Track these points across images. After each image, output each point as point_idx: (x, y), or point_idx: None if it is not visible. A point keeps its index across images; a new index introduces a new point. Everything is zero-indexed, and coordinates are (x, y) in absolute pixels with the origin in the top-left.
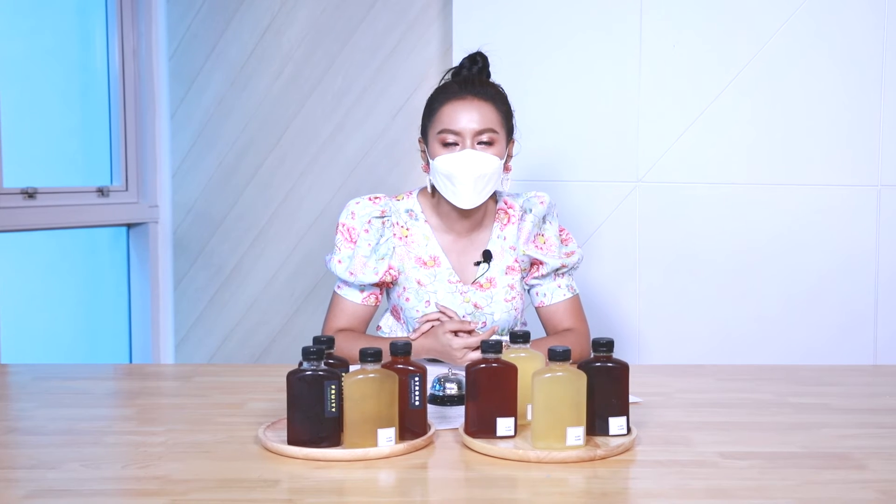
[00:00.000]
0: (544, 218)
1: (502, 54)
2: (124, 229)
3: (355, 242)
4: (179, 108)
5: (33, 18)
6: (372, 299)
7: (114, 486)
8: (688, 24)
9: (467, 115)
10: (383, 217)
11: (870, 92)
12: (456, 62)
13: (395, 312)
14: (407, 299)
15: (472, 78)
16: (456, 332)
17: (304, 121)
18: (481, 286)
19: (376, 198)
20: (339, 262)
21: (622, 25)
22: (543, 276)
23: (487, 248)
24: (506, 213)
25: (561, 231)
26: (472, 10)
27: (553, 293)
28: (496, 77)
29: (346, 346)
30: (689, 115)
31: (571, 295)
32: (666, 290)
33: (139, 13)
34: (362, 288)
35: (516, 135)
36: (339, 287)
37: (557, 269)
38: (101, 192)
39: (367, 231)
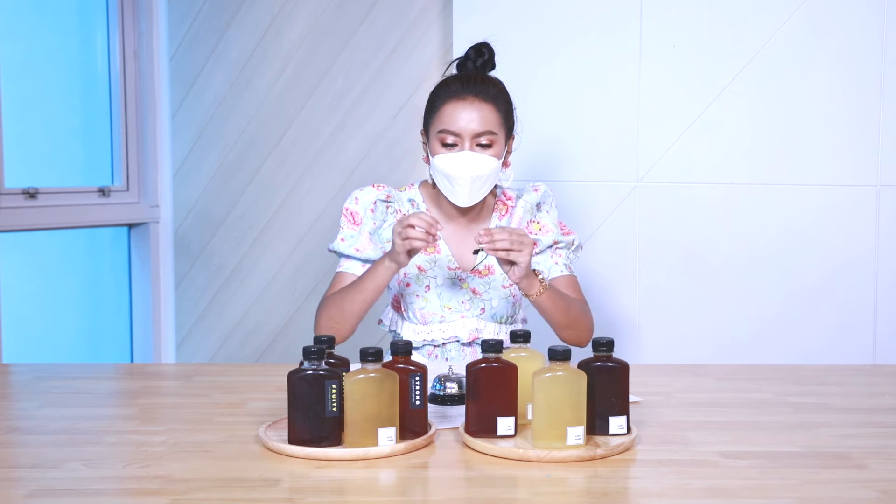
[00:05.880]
0: (539, 206)
1: (503, 55)
2: (125, 229)
3: (359, 225)
4: (180, 109)
5: (34, 19)
6: None
7: (115, 485)
8: (688, 24)
9: (467, 116)
10: (388, 202)
11: (869, 92)
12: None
13: (396, 305)
14: (408, 285)
15: (474, 76)
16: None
17: (304, 121)
18: (479, 273)
19: (380, 186)
20: (343, 239)
21: (622, 26)
22: (539, 253)
23: None
24: (504, 203)
25: (561, 225)
26: (473, 11)
27: (550, 269)
28: (498, 77)
29: (338, 297)
30: (689, 115)
31: (569, 273)
32: (666, 290)
33: (140, 14)
34: (366, 263)
35: (517, 129)
36: (340, 266)
37: (552, 246)
38: (103, 192)
39: (372, 211)
